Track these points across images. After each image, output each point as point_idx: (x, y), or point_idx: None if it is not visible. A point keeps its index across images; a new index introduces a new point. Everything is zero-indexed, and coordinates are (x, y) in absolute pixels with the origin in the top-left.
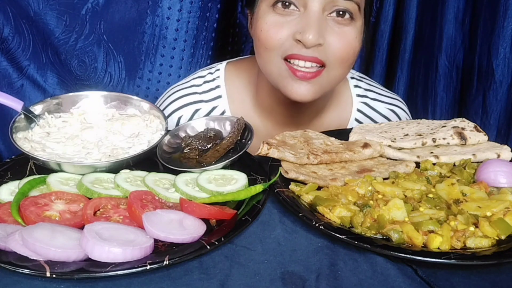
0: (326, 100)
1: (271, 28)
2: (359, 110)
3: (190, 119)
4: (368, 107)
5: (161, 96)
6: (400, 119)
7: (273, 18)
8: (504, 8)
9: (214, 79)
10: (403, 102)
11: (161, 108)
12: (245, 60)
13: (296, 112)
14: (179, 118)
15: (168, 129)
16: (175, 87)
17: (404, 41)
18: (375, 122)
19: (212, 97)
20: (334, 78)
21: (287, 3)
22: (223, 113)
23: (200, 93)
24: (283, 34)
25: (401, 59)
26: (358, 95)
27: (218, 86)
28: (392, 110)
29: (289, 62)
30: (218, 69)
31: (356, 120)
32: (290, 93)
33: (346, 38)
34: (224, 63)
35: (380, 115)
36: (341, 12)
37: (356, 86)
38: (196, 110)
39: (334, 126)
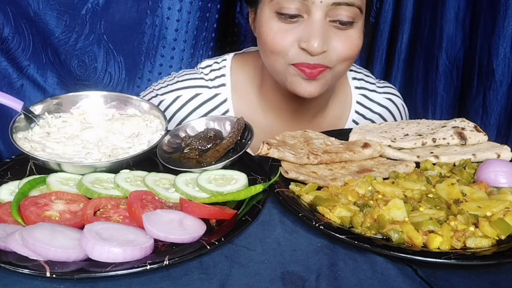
0: (329, 94)
1: (277, 35)
2: (358, 102)
3: (189, 101)
4: (367, 99)
5: (171, 74)
6: (397, 107)
7: (278, 25)
8: (504, 8)
9: (220, 68)
10: (395, 88)
11: (167, 83)
12: (251, 54)
13: (300, 106)
14: (178, 97)
15: (168, 129)
16: (186, 70)
17: (400, 41)
18: (374, 112)
19: (216, 85)
20: (338, 74)
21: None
22: (224, 101)
23: (206, 80)
24: (288, 40)
25: (397, 58)
26: (357, 87)
27: (223, 75)
28: (390, 99)
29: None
30: (225, 59)
31: (356, 112)
32: (298, 91)
33: (350, 40)
34: (232, 54)
35: (378, 105)
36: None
37: (354, 78)
38: (197, 94)
39: (335, 119)
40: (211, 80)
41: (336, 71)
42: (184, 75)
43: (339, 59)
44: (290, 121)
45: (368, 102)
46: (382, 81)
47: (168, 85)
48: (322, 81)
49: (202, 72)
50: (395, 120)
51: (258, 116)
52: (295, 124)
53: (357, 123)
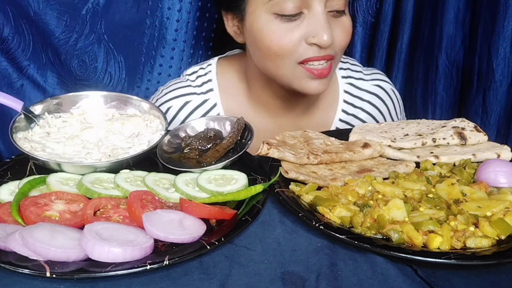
0: None
1: (282, 36)
2: (346, 92)
3: (180, 110)
4: (354, 87)
5: (159, 88)
6: (387, 93)
7: (280, 26)
8: (504, 8)
9: (206, 74)
10: (384, 74)
11: (156, 98)
12: (236, 56)
13: (291, 103)
14: (168, 109)
15: (168, 129)
16: (172, 80)
17: (400, 41)
18: (364, 100)
19: (204, 90)
20: (337, 64)
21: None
22: (214, 105)
23: (193, 87)
24: (295, 39)
25: (397, 58)
26: (343, 77)
27: (210, 80)
28: (378, 85)
29: (304, 64)
30: (210, 64)
31: (345, 101)
32: (308, 91)
33: (346, 28)
34: (216, 58)
35: (367, 92)
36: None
37: (341, 68)
38: (187, 102)
39: (325, 111)
40: (199, 86)
41: (336, 61)
42: (171, 85)
43: (341, 48)
44: (281, 118)
45: (356, 90)
46: (369, 68)
47: (157, 99)
48: (329, 77)
49: (188, 79)
50: (387, 107)
51: (250, 116)
52: (285, 120)
53: (347, 113)
